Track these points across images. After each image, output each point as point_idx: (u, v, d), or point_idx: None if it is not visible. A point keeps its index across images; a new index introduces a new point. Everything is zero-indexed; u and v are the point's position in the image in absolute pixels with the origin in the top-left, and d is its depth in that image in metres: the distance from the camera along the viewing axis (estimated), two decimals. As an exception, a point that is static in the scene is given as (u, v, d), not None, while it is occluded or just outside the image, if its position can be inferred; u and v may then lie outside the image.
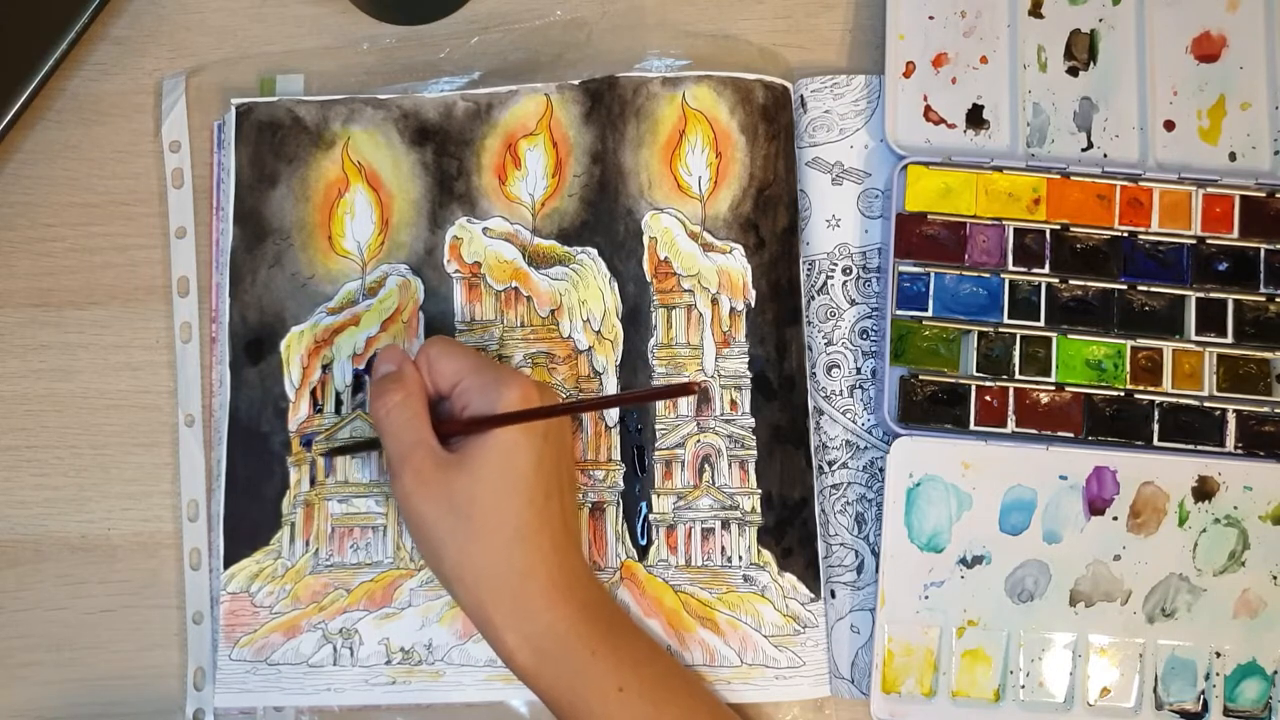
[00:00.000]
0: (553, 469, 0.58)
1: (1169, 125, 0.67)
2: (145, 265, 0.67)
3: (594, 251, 0.66)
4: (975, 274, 0.65)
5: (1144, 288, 0.65)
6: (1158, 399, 0.65)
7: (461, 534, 0.56)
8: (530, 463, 0.57)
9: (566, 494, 0.59)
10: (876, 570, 0.64)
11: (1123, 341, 0.65)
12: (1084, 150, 0.67)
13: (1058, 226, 0.66)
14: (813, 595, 0.64)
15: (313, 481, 0.65)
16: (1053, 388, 0.65)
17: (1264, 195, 0.66)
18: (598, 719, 0.57)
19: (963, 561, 0.64)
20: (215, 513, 0.64)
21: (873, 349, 0.66)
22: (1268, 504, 0.64)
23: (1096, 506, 0.64)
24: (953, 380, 0.65)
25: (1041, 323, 0.65)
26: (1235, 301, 0.65)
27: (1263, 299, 0.65)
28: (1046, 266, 0.65)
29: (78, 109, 0.69)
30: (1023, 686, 0.63)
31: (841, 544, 0.65)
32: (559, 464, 0.59)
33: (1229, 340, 0.65)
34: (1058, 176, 0.66)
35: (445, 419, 0.59)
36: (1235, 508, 0.64)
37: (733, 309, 0.66)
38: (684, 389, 0.54)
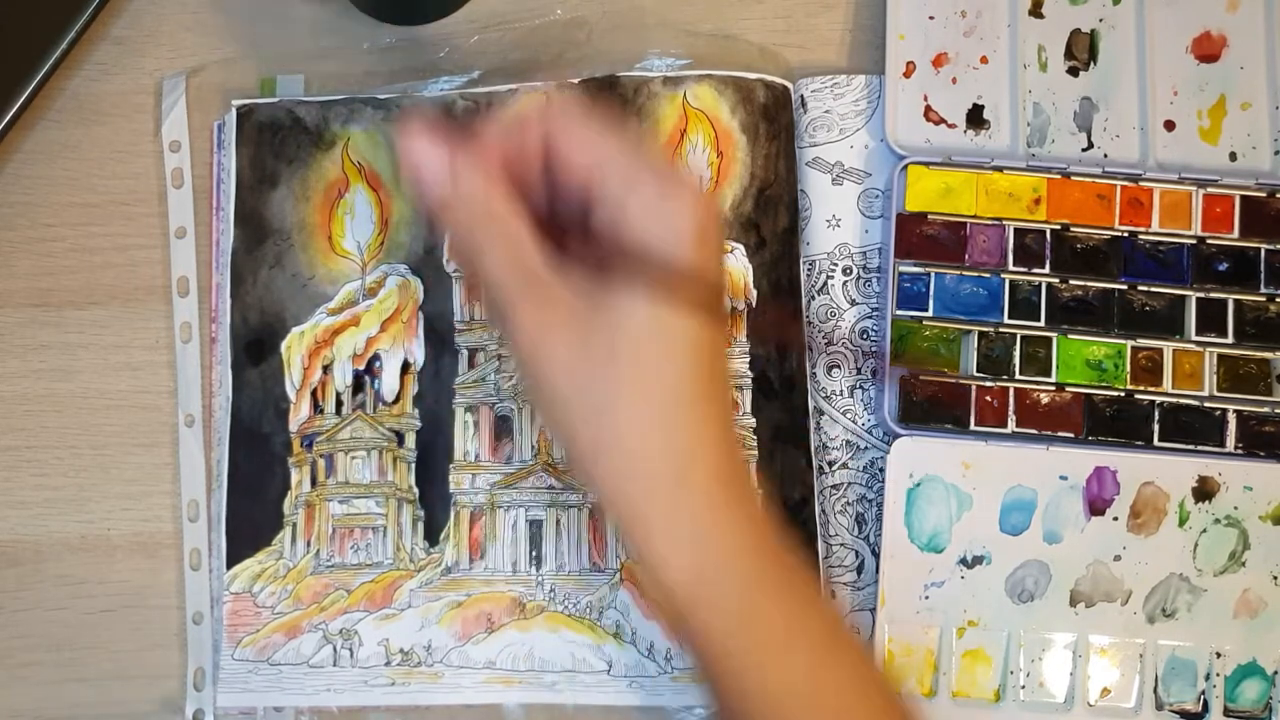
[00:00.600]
0: (720, 322, 0.45)
1: (1169, 125, 0.67)
2: (145, 265, 0.67)
3: (594, 251, 0.66)
4: (975, 274, 0.65)
5: (1144, 288, 0.65)
6: (1158, 399, 0.65)
7: (605, 387, 0.43)
8: (707, 310, 0.43)
9: (727, 366, 0.48)
10: (876, 570, 0.64)
11: (1123, 341, 0.65)
12: (1084, 150, 0.67)
13: (1058, 226, 0.66)
14: (813, 595, 0.64)
15: (314, 482, 0.65)
16: (1053, 388, 0.65)
17: (1264, 195, 0.66)
18: (755, 679, 0.45)
19: (963, 562, 0.64)
20: (216, 513, 0.64)
21: (873, 349, 0.66)
22: (1268, 504, 0.64)
23: (1097, 507, 0.64)
24: (953, 380, 0.65)
25: (1042, 323, 0.65)
26: (1235, 301, 0.65)
27: (1263, 299, 0.65)
28: (1047, 266, 0.65)
29: (78, 109, 0.68)
30: (1023, 687, 0.63)
31: (841, 544, 0.65)
32: (725, 321, 0.47)
33: (1229, 340, 0.65)
34: (1058, 176, 0.66)
35: (560, 223, 0.45)
36: (1235, 508, 0.64)
37: (733, 308, 0.66)
38: None
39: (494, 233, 0.43)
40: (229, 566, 0.64)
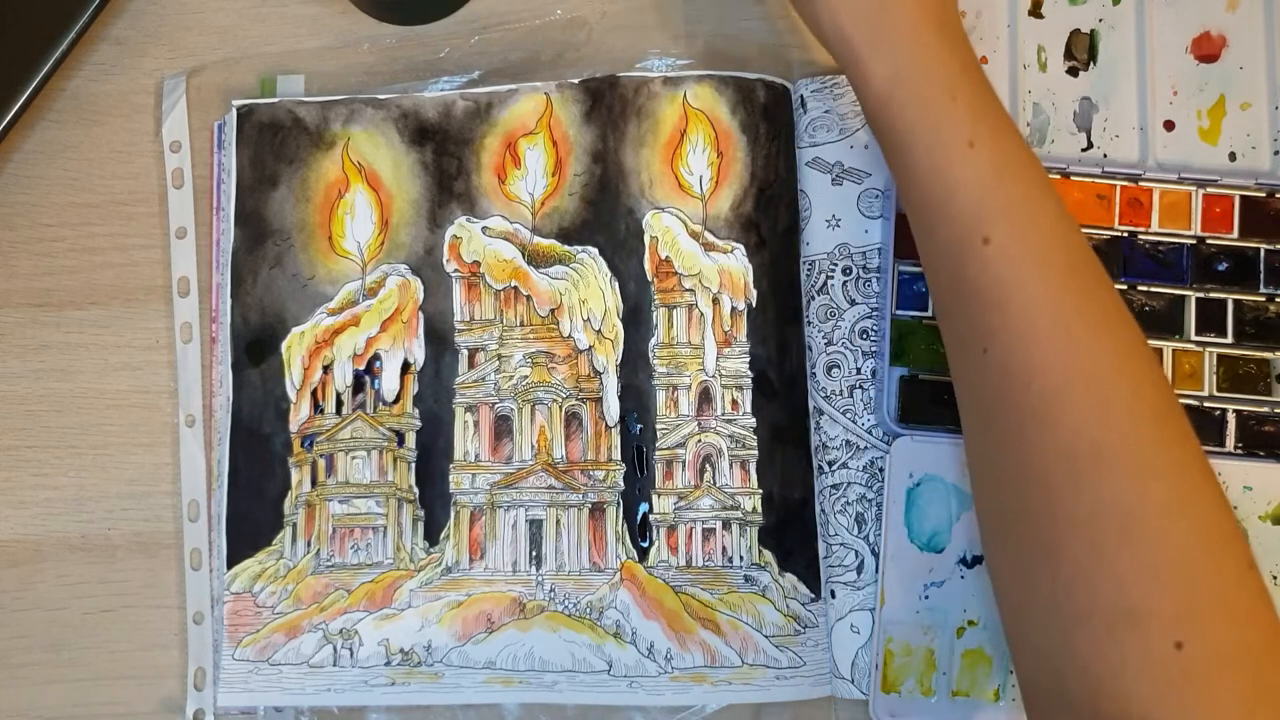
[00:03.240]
0: None
1: (1169, 125, 0.67)
2: (145, 265, 0.67)
3: (595, 251, 0.66)
4: (975, 274, 0.65)
5: (1144, 288, 0.65)
6: (1158, 399, 0.65)
7: None
8: None
9: None
10: (876, 570, 0.64)
11: (1123, 341, 0.65)
12: (1084, 150, 0.67)
13: (1058, 226, 0.66)
14: (813, 595, 0.64)
15: (314, 482, 0.65)
16: (1053, 388, 0.65)
17: (1264, 195, 0.66)
18: (938, 169, 0.53)
19: (963, 561, 0.64)
20: (216, 513, 0.64)
21: (873, 349, 0.66)
22: (1268, 504, 0.64)
23: (1096, 506, 0.64)
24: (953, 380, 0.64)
25: (1042, 323, 0.65)
26: (1235, 301, 0.65)
27: (1263, 299, 0.65)
28: (1047, 266, 0.65)
29: (78, 109, 0.68)
30: (1023, 686, 0.63)
31: (841, 544, 0.65)
32: None
33: (1229, 340, 0.65)
34: (1058, 176, 0.66)
35: None
36: (1235, 508, 0.64)
37: (734, 308, 0.66)
38: None
39: None
40: (229, 566, 0.64)
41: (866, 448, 0.66)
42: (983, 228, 0.52)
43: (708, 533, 0.64)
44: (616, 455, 0.65)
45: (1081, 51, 0.68)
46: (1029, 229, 0.53)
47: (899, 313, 0.65)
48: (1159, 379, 0.52)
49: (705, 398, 0.65)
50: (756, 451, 0.65)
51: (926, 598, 0.64)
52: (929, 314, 0.65)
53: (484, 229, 0.67)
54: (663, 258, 0.66)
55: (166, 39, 0.69)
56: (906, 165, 0.54)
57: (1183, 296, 0.65)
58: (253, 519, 0.64)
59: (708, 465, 0.65)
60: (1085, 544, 0.49)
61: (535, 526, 0.64)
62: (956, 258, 0.53)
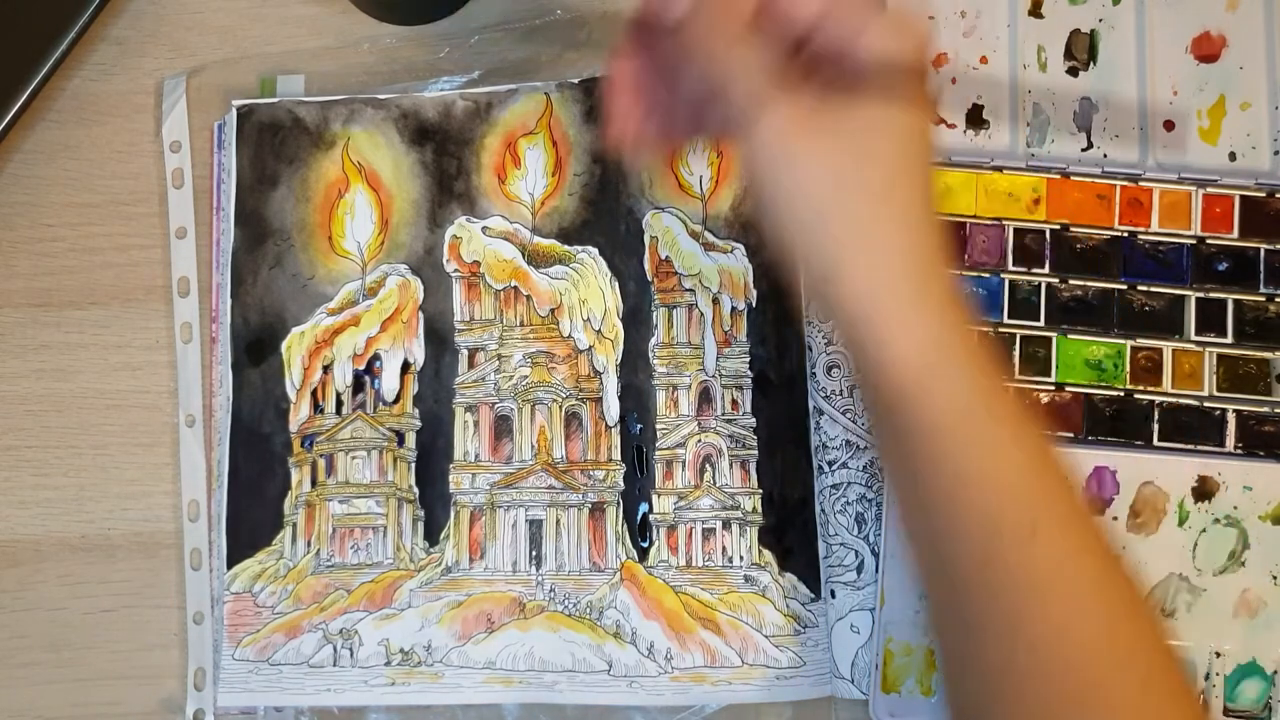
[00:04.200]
0: (932, 151, 0.49)
1: (1169, 125, 0.67)
2: (145, 265, 0.67)
3: (595, 250, 0.66)
4: (975, 274, 0.65)
5: (1144, 288, 0.65)
6: (1158, 399, 0.65)
7: (857, 186, 0.46)
8: (929, 134, 0.48)
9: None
10: (876, 570, 0.64)
11: (1123, 341, 0.65)
12: (1084, 150, 0.67)
13: (1058, 226, 0.66)
14: (813, 595, 0.64)
15: (314, 482, 0.65)
16: (1052, 388, 0.65)
17: (1264, 195, 0.66)
18: (988, 450, 0.47)
19: (963, 561, 0.64)
20: (216, 513, 0.64)
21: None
22: (1268, 504, 0.64)
23: (1096, 506, 0.64)
24: (953, 380, 0.65)
25: (1041, 323, 0.65)
26: (1235, 301, 0.65)
27: (1263, 299, 0.65)
28: (1046, 266, 0.65)
29: (78, 109, 0.68)
30: (1023, 686, 0.63)
31: (841, 544, 0.65)
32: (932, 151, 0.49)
33: (1229, 340, 0.65)
34: (1058, 176, 0.66)
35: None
36: (1235, 508, 0.64)
37: (734, 308, 0.66)
38: None
39: (743, 38, 0.45)
40: (229, 566, 0.64)
41: (866, 448, 0.66)
42: (1031, 517, 0.48)
43: (708, 533, 0.64)
44: (616, 455, 0.65)
45: (1081, 51, 0.68)
46: (1072, 517, 0.49)
47: (899, 313, 0.65)
48: (1174, 652, 0.51)
49: (705, 398, 0.65)
50: (756, 451, 0.65)
51: (926, 597, 0.64)
52: (929, 314, 0.65)
53: (484, 229, 0.67)
54: (663, 257, 0.66)
55: (166, 39, 0.69)
56: (940, 450, 0.47)
57: (1183, 296, 0.65)
58: (253, 519, 0.64)
59: (708, 465, 0.65)
60: None
61: (535, 526, 0.64)
62: (990, 547, 0.48)
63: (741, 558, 0.64)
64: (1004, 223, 0.66)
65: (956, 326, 0.47)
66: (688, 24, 0.47)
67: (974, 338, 0.47)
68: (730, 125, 0.46)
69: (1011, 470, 0.47)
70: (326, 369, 0.65)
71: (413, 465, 0.65)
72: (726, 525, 0.64)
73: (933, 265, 0.47)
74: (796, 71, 0.46)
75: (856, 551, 0.65)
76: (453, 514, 0.65)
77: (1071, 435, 0.64)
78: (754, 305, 0.66)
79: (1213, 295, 0.65)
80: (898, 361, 0.46)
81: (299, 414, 0.65)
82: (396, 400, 0.65)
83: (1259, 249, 0.66)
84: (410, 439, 0.65)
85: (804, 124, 0.45)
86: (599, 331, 0.66)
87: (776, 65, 0.45)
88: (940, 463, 0.47)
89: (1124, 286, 0.65)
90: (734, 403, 0.65)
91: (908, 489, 0.50)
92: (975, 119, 0.67)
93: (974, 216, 0.66)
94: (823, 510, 0.65)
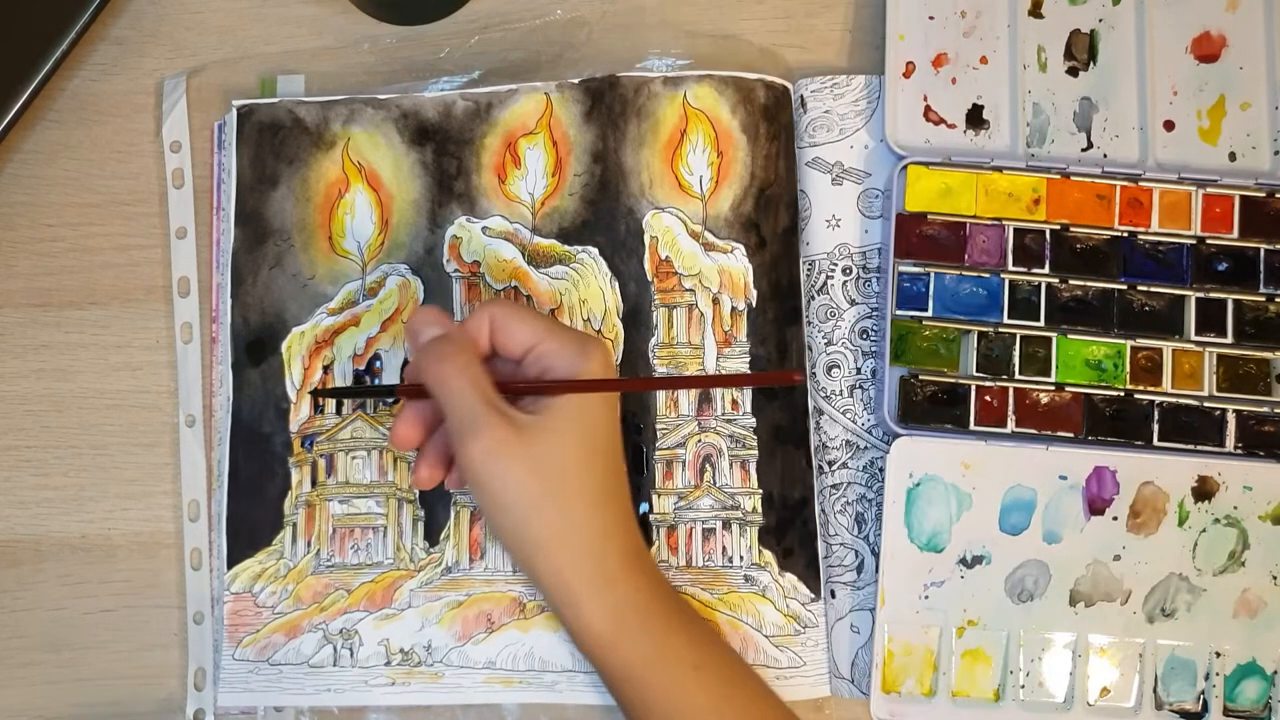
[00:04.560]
0: (618, 438, 0.59)
1: (1169, 125, 0.67)
2: (145, 265, 0.67)
3: (595, 251, 0.66)
4: (975, 274, 0.65)
5: (1144, 288, 0.65)
6: (1158, 399, 0.65)
7: (545, 497, 0.55)
8: (607, 429, 0.57)
9: (624, 466, 0.60)
10: (876, 570, 0.64)
11: (1123, 341, 0.65)
12: (1084, 150, 0.67)
13: (1058, 226, 0.66)
14: (813, 595, 0.64)
15: (314, 482, 0.65)
16: (1052, 388, 0.65)
17: (1264, 195, 0.66)
18: (674, 698, 0.56)
19: (963, 561, 0.64)
20: (216, 513, 0.64)
21: (873, 349, 0.66)
22: (1268, 504, 0.64)
23: (1096, 506, 0.64)
24: (952, 380, 0.65)
25: (1041, 323, 0.65)
26: (1235, 301, 0.65)
27: (1263, 299, 0.65)
28: (1046, 266, 0.65)
29: (78, 109, 0.68)
30: (1023, 686, 0.63)
31: (841, 544, 0.65)
32: (620, 434, 0.59)
33: (1229, 340, 0.65)
34: (1058, 176, 0.66)
35: (502, 380, 0.57)
36: (1235, 508, 0.64)
37: (734, 308, 0.66)
38: (786, 377, 0.59)
39: (463, 370, 0.56)
40: (229, 566, 0.64)
41: (866, 448, 0.66)
42: None
43: (708, 532, 0.64)
44: (616, 455, 0.65)
45: (1081, 51, 0.68)
46: None
47: (899, 313, 0.65)
48: None
49: (705, 398, 0.65)
50: (756, 451, 0.65)
51: (926, 598, 0.64)
52: (929, 314, 0.65)
53: (484, 229, 0.67)
54: (663, 258, 0.66)
55: (166, 39, 0.69)
56: (643, 699, 0.57)
57: (1183, 296, 0.65)
58: (253, 519, 0.64)
59: (707, 465, 0.65)
60: None
61: (535, 526, 0.64)
62: None
63: (741, 558, 0.64)
64: (1004, 223, 0.66)
65: (635, 595, 0.57)
66: (422, 356, 0.57)
67: (655, 599, 0.57)
68: (453, 442, 0.56)
69: (694, 708, 0.56)
70: (327, 369, 0.65)
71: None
72: (726, 525, 0.64)
73: (611, 551, 0.57)
74: (510, 391, 0.57)
75: (856, 551, 0.65)
76: (453, 514, 0.65)
77: (1071, 435, 0.64)
78: (754, 305, 0.66)
79: (1213, 295, 0.65)
80: (588, 630, 0.56)
81: (299, 414, 0.65)
82: (397, 400, 0.65)
83: (1259, 249, 0.66)
84: (410, 439, 0.65)
85: (506, 447, 0.55)
86: (599, 331, 0.66)
87: (491, 391, 0.56)
88: (636, 705, 0.57)
89: (1124, 286, 0.65)
90: (734, 403, 0.65)
91: (631, 717, 0.58)
92: (975, 119, 0.67)
93: (974, 216, 0.66)
94: (823, 510, 0.65)
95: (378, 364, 0.66)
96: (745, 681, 0.58)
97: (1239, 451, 0.64)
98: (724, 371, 0.65)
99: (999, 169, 0.66)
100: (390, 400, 0.65)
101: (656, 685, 0.56)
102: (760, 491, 0.64)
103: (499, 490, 0.55)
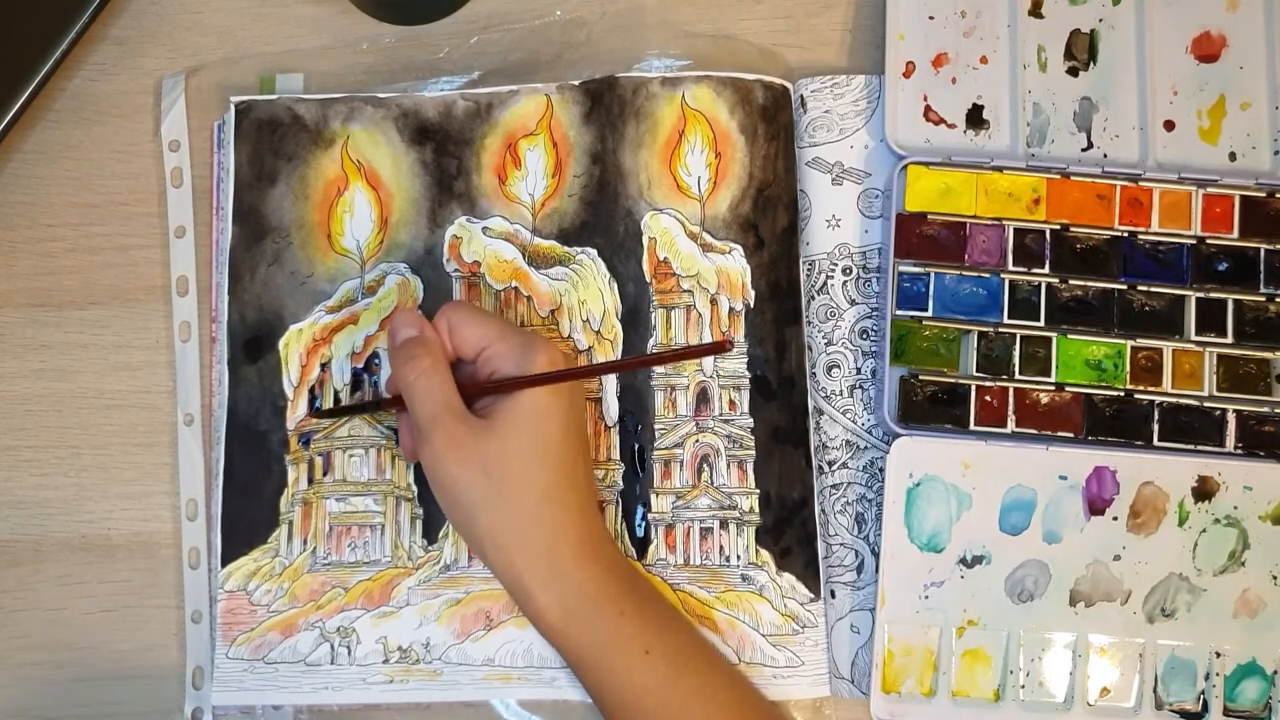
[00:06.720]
0: (577, 433, 0.60)
1: (1169, 125, 0.67)
2: (145, 265, 0.67)
3: (594, 252, 0.66)
4: (975, 274, 0.65)
5: (1144, 288, 0.65)
6: (1158, 399, 0.64)
7: (494, 495, 0.57)
8: (559, 425, 0.58)
9: (587, 458, 0.61)
10: (876, 570, 0.64)
11: (1123, 341, 0.65)
12: (1084, 150, 0.67)
13: (1058, 226, 0.66)
14: (812, 595, 0.64)
15: (311, 480, 0.65)
16: (1053, 388, 0.65)
17: (1264, 195, 0.66)
18: (622, 680, 0.58)
19: (963, 561, 0.64)
20: (214, 512, 0.64)
21: (873, 349, 0.66)
22: (1268, 504, 0.64)
23: (1096, 506, 0.64)
24: (953, 380, 0.65)
25: (1041, 323, 0.65)
26: (1235, 301, 0.65)
27: (1263, 299, 0.65)
28: (1046, 266, 0.65)
29: (78, 109, 0.69)
30: (1023, 686, 0.63)
31: (841, 544, 0.65)
32: (581, 429, 0.60)
33: (1229, 340, 0.65)
34: (1058, 176, 0.66)
35: (466, 381, 0.59)
36: (1235, 508, 0.64)
37: (732, 309, 0.66)
38: (717, 347, 0.59)
39: (426, 371, 0.58)
40: (224, 564, 0.64)
41: (866, 448, 0.66)
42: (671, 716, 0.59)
43: (705, 532, 0.64)
44: (615, 455, 0.65)
45: (1081, 51, 0.68)
46: (713, 712, 0.59)
47: (899, 313, 0.65)
48: None
49: (703, 398, 0.65)
50: (753, 451, 0.64)
51: (926, 598, 0.64)
52: (929, 314, 0.65)
53: (484, 229, 0.67)
54: (661, 259, 0.66)
55: (166, 39, 0.69)
56: (596, 680, 0.59)
57: (1183, 296, 0.65)
58: (248, 517, 0.64)
59: (705, 465, 0.64)
60: None
61: (534, 526, 0.64)
62: None
63: (739, 557, 0.64)
64: (1004, 223, 0.66)
65: (585, 585, 0.58)
66: (393, 357, 0.60)
67: (607, 586, 0.59)
68: (415, 441, 0.59)
69: (641, 690, 0.58)
70: (324, 367, 0.65)
71: (411, 463, 0.65)
72: (724, 525, 0.64)
73: (564, 544, 0.58)
74: (471, 393, 0.59)
75: (856, 551, 0.65)
76: (452, 513, 0.65)
77: (1071, 435, 0.64)
78: (752, 306, 0.66)
79: (1213, 295, 0.65)
80: (540, 618, 0.58)
81: (296, 411, 0.65)
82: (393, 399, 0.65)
83: (1259, 249, 0.65)
84: (409, 438, 0.65)
85: (457, 449, 0.57)
86: (598, 332, 0.66)
87: (451, 393, 0.58)
88: (592, 687, 0.59)
89: (1124, 286, 0.65)
90: (731, 403, 0.65)
91: (591, 698, 0.60)
92: (975, 119, 0.67)
93: (974, 216, 0.66)
94: (823, 510, 0.65)
95: (376, 362, 0.66)
96: (699, 665, 0.60)
97: (1239, 451, 0.64)
98: (720, 373, 0.65)
99: (999, 169, 0.66)
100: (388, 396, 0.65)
101: (606, 669, 0.58)
102: (757, 491, 0.64)
103: (451, 488, 0.58)
